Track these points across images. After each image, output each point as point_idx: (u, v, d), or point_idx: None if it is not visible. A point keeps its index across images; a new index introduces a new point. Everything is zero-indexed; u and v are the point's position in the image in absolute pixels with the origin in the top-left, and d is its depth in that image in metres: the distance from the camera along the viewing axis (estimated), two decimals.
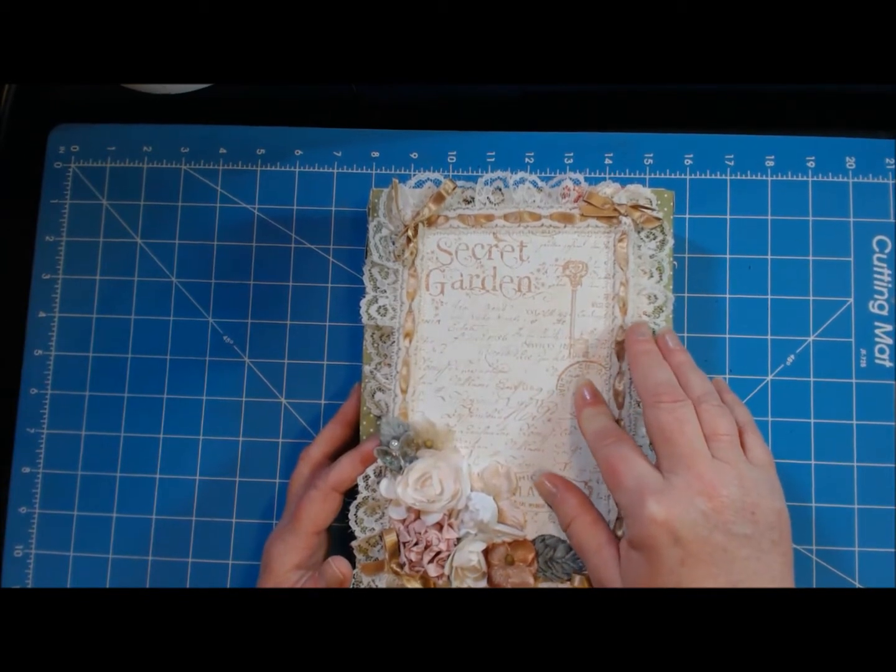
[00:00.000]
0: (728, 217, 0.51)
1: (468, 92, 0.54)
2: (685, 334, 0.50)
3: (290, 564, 0.44)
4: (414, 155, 0.53)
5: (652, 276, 0.46)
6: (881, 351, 0.49)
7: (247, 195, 0.53)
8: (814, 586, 0.47)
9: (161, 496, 0.51)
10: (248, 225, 0.53)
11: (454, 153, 0.53)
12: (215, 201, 0.53)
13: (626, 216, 0.45)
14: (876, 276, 0.50)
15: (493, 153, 0.53)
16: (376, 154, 0.53)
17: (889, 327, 0.50)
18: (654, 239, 0.46)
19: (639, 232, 0.46)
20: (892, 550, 0.47)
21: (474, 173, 0.52)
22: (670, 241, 0.46)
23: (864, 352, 0.49)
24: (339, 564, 0.44)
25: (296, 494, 0.46)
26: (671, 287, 0.46)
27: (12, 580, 0.50)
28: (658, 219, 0.46)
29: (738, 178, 0.51)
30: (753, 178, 0.51)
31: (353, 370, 0.51)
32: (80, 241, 0.53)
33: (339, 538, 0.47)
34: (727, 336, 0.50)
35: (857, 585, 0.47)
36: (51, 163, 0.54)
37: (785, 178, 0.51)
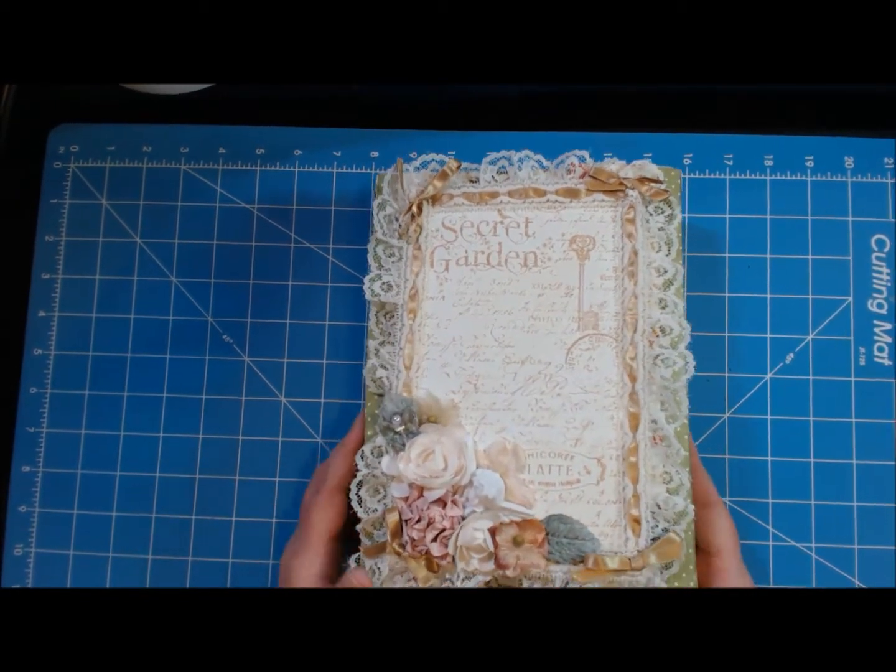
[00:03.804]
0: (727, 216, 0.51)
1: (468, 92, 0.54)
2: None
3: (312, 576, 0.43)
4: (413, 155, 0.53)
5: (660, 250, 0.45)
6: (880, 349, 0.49)
7: (246, 195, 0.53)
8: (814, 584, 0.48)
9: (161, 495, 0.51)
10: (248, 224, 0.53)
11: (453, 153, 0.53)
12: (215, 201, 0.53)
13: (632, 189, 0.45)
14: (875, 274, 0.50)
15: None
16: (376, 154, 0.53)
17: (888, 325, 0.50)
18: (662, 213, 0.45)
19: (646, 206, 0.45)
20: (892, 548, 0.47)
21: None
22: (678, 216, 0.45)
23: (863, 350, 0.49)
24: (358, 577, 0.42)
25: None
26: (681, 260, 0.45)
27: (12, 579, 0.50)
28: (665, 192, 0.45)
29: (738, 177, 0.51)
30: (752, 177, 0.51)
31: (353, 369, 0.51)
32: (79, 241, 0.53)
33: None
34: (726, 334, 0.50)
35: (857, 583, 0.47)
36: (50, 163, 0.54)
37: (784, 177, 0.51)
